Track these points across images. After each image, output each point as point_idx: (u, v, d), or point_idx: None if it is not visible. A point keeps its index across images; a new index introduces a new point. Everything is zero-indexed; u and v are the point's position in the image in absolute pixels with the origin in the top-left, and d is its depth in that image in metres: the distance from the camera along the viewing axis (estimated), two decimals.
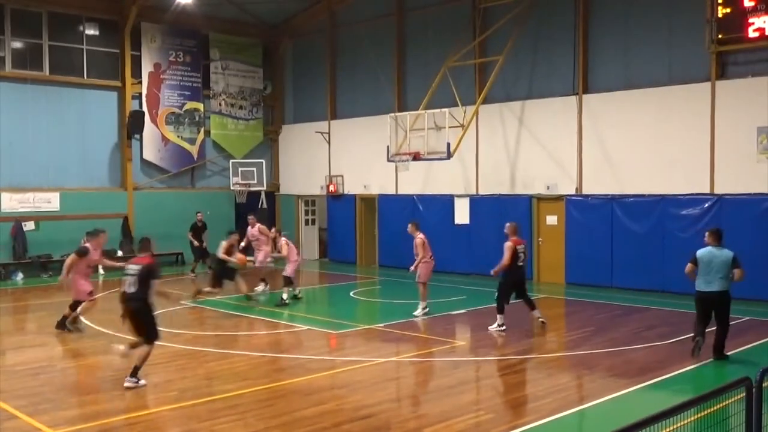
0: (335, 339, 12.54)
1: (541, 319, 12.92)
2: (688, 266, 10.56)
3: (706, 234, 10.67)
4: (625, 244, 17.57)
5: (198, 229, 20.87)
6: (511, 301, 12.96)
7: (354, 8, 24.28)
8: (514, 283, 12.91)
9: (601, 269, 17.92)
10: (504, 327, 12.66)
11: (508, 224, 13.33)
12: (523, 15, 18.92)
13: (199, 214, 21.20)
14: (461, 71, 20.21)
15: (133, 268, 9.40)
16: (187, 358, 10.81)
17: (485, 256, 20.21)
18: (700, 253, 10.46)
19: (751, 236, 15.49)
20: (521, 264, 12.95)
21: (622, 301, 15.88)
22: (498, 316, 12.76)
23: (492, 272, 13.03)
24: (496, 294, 12.90)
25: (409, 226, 14.77)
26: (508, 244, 12.84)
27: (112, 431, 7.55)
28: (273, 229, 17.76)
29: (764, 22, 15.17)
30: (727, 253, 10.30)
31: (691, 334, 10.72)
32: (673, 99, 16.94)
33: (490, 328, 12.80)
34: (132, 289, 9.27)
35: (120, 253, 22.56)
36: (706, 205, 16.25)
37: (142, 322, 9.35)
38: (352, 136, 24.24)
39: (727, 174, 16.08)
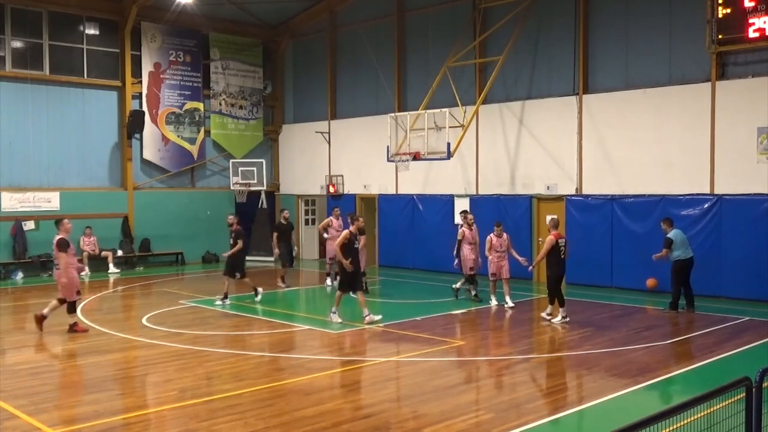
0: (335, 338, 12.55)
1: (566, 320, 13.22)
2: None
3: (664, 223, 14.65)
4: (625, 244, 17.56)
5: (284, 229, 18.55)
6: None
7: (354, 8, 24.28)
8: (559, 277, 13.34)
9: (601, 269, 17.92)
10: (567, 318, 13.24)
11: (548, 218, 13.98)
12: (523, 15, 18.93)
13: (285, 212, 19.27)
14: (461, 71, 20.22)
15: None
16: (187, 358, 10.81)
17: (485, 256, 20.25)
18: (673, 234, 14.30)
19: (751, 236, 15.51)
20: (563, 257, 13.34)
21: (622, 301, 15.89)
22: (560, 309, 13.25)
23: (530, 268, 13.81)
24: (548, 291, 13.43)
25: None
26: (549, 238, 13.26)
27: (112, 431, 7.54)
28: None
29: (764, 22, 15.17)
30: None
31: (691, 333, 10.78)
32: (673, 99, 16.94)
33: (554, 321, 13.22)
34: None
35: (120, 253, 22.61)
36: (706, 205, 16.25)
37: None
38: (352, 136, 24.24)
39: (727, 174, 16.08)
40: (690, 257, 14.42)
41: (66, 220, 13.39)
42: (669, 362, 10.48)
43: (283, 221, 18.62)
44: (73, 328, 12.68)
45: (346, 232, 13.65)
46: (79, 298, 13.04)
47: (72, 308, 12.77)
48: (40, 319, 12.76)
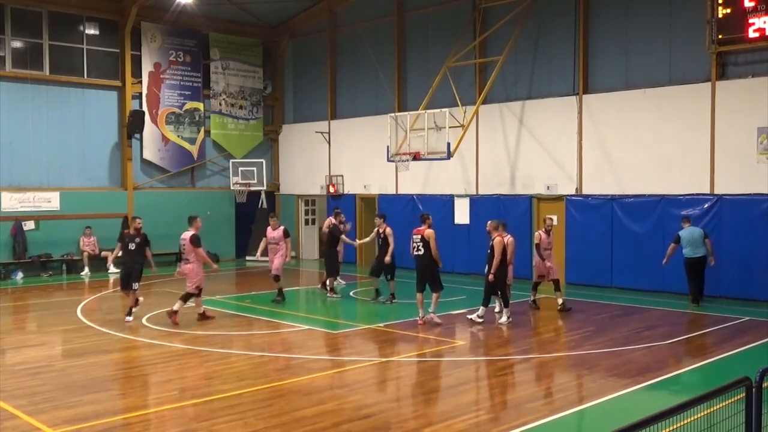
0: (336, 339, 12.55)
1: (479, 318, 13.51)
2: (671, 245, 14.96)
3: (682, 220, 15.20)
4: (625, 244, 17.57)
5: (337, 234, 17.20)
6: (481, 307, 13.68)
7: (354, 8, 24.28)
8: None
9: (601, 269, 17.93)
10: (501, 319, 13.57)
11: (491, 221, 14.01)
12: (523, 15, 18.93)
13: (340, 215, 18.00)
14: (461, 71, 20.22)
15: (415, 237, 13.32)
16: (187, 358, 10.81)
17: (485, 256, 20.25)
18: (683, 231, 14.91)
19: (751, 236, 15.51)
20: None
21: (622, 301, 15.89)
22: (505, 309, 13.56)
23: (491, 277, 13.42)
24: (499, 291, 13.59)
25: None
26: (498, 240, 13.45)
27: (112, 431, 7.54)
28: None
29: (764, 22, 15.17)
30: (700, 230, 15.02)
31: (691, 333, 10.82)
32: (673, 99, 16.94)
33: (500, 321, 13.46)
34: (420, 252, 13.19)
35: (120, 253, 22.56)
36: (706, 205, 16.25)
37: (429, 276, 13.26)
38: (352, 136, 24.24)
39: (727, 174, 16.08)
40: (697, 256, 14.81)
41: (199, 218, 13.87)
42: (669, 362, 10.48)
43: (338, 224, 17.34)
44: (204, 316, 13.59)
45: (431, 231, 13.55)
46: (198, 293, 13.58)
47: (187, 298, 13.48)
48: (174, 314, 13.27)
